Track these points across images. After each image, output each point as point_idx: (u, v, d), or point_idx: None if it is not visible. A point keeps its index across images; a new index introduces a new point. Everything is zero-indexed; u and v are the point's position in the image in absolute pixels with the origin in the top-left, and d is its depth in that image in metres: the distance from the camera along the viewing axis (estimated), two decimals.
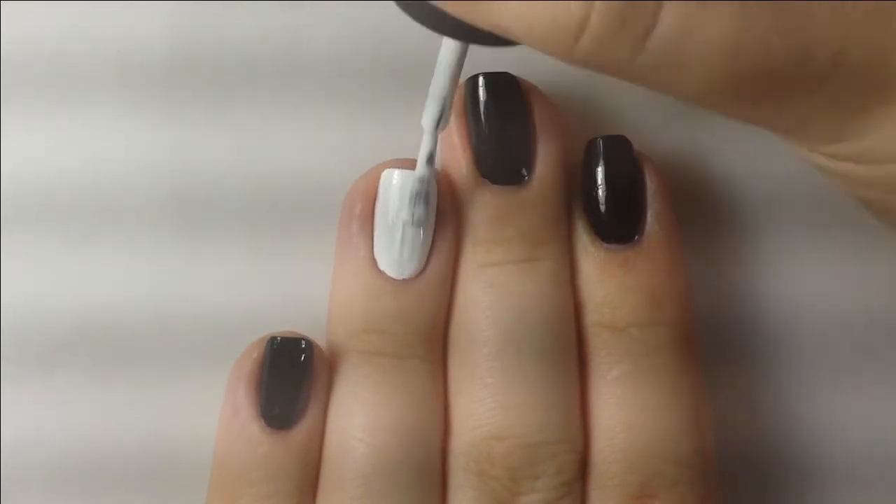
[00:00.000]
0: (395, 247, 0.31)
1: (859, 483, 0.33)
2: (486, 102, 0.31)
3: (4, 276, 0.32)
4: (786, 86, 0.25)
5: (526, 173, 0.31)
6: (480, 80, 0.31)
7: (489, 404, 0.30)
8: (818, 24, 0.24)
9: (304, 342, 0.31)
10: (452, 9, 0.26)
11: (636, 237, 0.31)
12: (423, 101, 0.30)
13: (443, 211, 0.31)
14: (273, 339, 0.31)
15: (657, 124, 0.33)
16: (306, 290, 0.33)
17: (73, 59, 0.33)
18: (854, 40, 0.25)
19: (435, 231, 0.31)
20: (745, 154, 0.33)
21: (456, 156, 0.31)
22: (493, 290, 0.31)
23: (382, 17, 0.33)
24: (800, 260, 0.34)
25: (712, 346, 0.33)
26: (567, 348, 0.31)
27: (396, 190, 0.31)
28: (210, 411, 0.31)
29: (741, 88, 0.25)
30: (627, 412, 0.30)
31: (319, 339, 0.31)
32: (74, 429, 0.32)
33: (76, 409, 0.32)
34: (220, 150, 0.33)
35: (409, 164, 0.31)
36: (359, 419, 0.30)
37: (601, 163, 0.32)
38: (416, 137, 0.31)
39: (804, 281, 0.34)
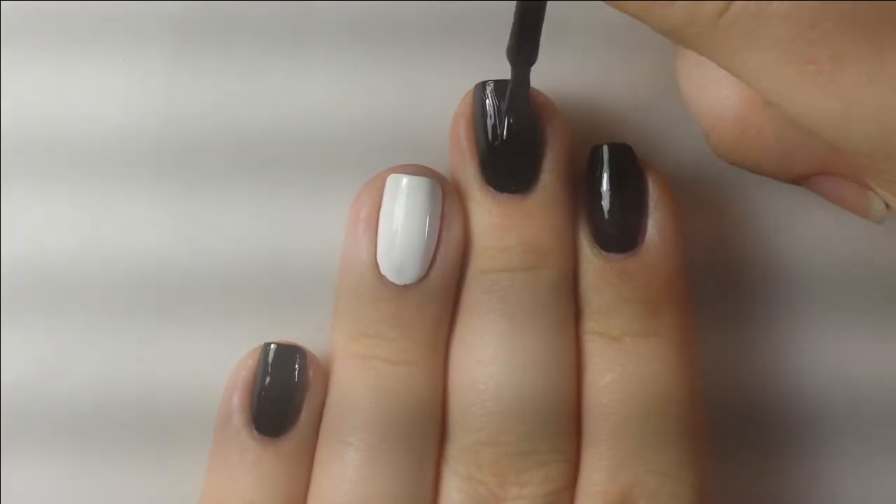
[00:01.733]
0: (397, 252, 0.31)
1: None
2: (494, 108, 0.31)
3: (5, 227, 0.33)
4: (856, 79, 0.24)
5: (532, 181, 0.31)
6: (489, 86, 0.31)
7: (480, 410, 0.30)
8: None
9: (297, 351, 0.31)
10: None
11: (636, 246, 0.31)
12: (430, 65, 0.31)
13: (448, 217, 0.31)
14: (267, 346, 0.31)
15: (663, 132, 0.33)
16: (317, 239, 0.33)
17: (78, 22, 0.33)
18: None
19: (439, 237, 0.31)
20: None
21: (463, 162, 0.32)
22: (491, 296, 0.31)
23: (376, 74, 0.33)
24: (802, 262, 0.34)
25: (713, 359, 0.33)
26: (564, 357, 0.31)
27: (402, 195, 0.31)
28: (212, 362, 0.32)
29: (807, 71, 0.24)
30: (613, 420, 0.31)
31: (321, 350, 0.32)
32: (76, 378, 0.33)
33: (78, 358, 0.33)
34: (229, 113, 0.33)
35: (415, 170, 0.31)
36: (351, 423, 0.31)
37: (603, 170, 0.31)
38: (430, 92, 0.32)
39: (808, 284, 0.34)
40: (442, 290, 0.31)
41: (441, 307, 0.31)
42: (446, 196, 0.31)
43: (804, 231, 0.33)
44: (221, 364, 0.32)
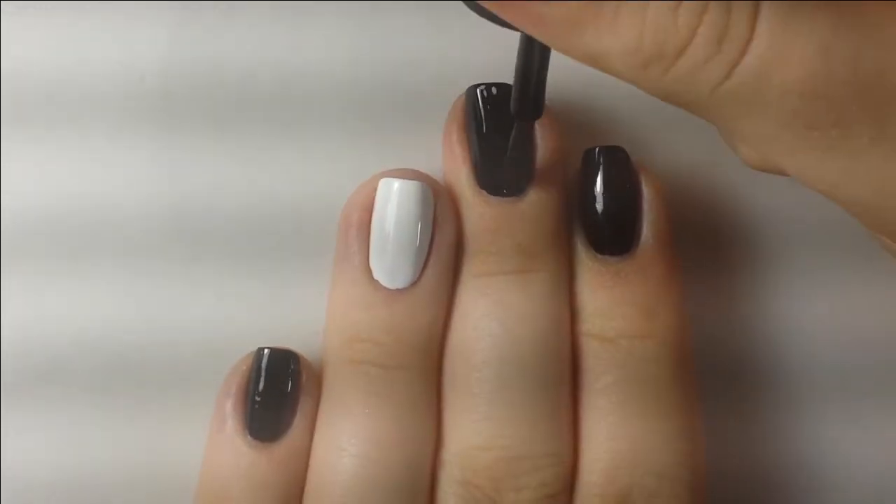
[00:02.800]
0: (388, 256, 0.31)
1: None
2: (486, 113, 0.31)
3: (4, 297, 0.33)
4: (858, 145, 0.25)
5: (524, 185, 0.31)
6: (480, 90, 0.31)
7: (475, 416, 0.30)
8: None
9: (291, 356, 0.31)
10: (543, 37, 0.25)
11: (631, 248, 0.31)
12: (425, 121, 0.31)
13: (440, 221, 0.31)
14: (260, 351, 0.31)
15: (657, 134, 0.33)
16: (304, 313, 0.33)
17: (72, 83, 0.33)
18: None
19: (431, 241, 0.31)
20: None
21: (455, 166, 0.31)
22: (485, 300, 0.31)
23: (381, 36, 0.33)
24: (800, 269, 0.34)
25: (709, 359, 0.33)
26: (558, 360, 0.31)
27: (394, 199, 0.31)
28: (205, 432, 0.32)
29: (811, 137, 0.25)
30: (610, 423, 0.31)
31: (317, 356, 0.32)
32: (70, 449, 0.33)
33: (72, 430, 0.33)
34: (217, 174, 0.33)
35: (408, 174, 0.31)
36: (344, 429, 0.30)
37: (597, 173, 0.31)
38: (417, 158, 0.31)
39: (804, 292, 0.34)
40: (435, 293, 0.31)
41: (434, 311, 0.31)
42: (438, 199, 0.31)
43: (800, 229, 0.34)
44: (219, 367, 0.32)
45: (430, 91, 0.33)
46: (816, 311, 0.34)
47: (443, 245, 0.31)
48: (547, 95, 0.32)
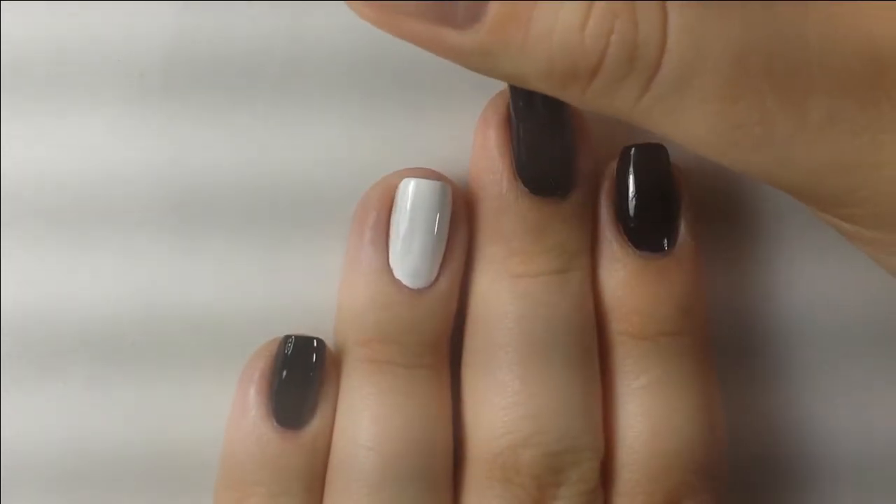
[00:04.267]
0: (412, 256, 0.31)
1: (868, 486, 0.34)
2: (529, 113, 0.31)
3: (3, 279, 0.32)
4: (785, 141, 0.25)
5: (570, 185, 0.31)
6: (525, 92, 0.30)
7: (516, 412, 0.30)
8: (811, 81, 0.25)
9: (316, 342, 0.31)
10: (465, 65, 0.26)
11: (669, 245, 0.31)
12: (425, 102, 0.31)
13: (456, 220, 0.31)
14: (287, 338, 0.31)
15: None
16: (308, 291, 0.33)
17: (73, 60, 0.32)
18: (849, 106, 0.25)
19: (448, 240, 0.31)
20: None
21: (493, 164, 0.31)
22: (525, 300, 0.31)
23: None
24: (811, 265, 0.34)
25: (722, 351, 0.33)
26: (592, 357, 0.31)
27: (416, 199, 0.31)
28: (211, 413, 0.32)
29: (737, 139, 0.25)
30: (654, 421, 0.31)
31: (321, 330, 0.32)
32: (75, 431, 0.32)
33: (76, 412, 0.32)
34: (221, 152, 0.33)
35: (424, 173, 0.31)
36: (368, 428, 0.31)
37: (639, 170, 0.31)
38: (418, 138, 0.31)
39: (816, 285, 0.34)
40: (451, 292, 0.31)
41: (449, 310, 0.32)
42: (453, 199, 0.31)
43: (805, 230, 0.34)
44: (212, 394, 0.32)
45: (436, 70, 0.32)
46: (827, 290, 0.34)
47: (458, 244, 0.31)
48: None
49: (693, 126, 0.25)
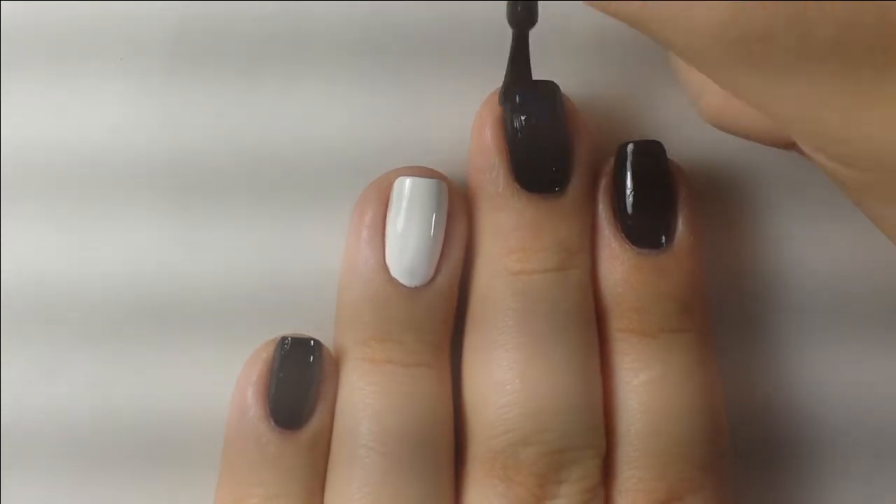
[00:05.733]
0: (407, 254, 0.31)
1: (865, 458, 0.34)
2: (524, 111, 0.31)
3: (5, 251, 0.33)
4: (786, 55, 0.24)
5: (565, 182, 0.31)
6: (519, 89, 0.31)
7: (517, 410, 0.30)
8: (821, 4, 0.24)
9: (312, 342, 0.31)
10: None
11: (667, 242, 0.31)
12: (427, 74, 0.32)
13: (452, 218, 0.31)
14: (283, 339, 0.31)
15: (662, 131, 0.33)
16: (312, 260, 0.33)
17: (76, 32, 0.33)
18: (856, 24, 0.24)
19: (445, 238, 0.31)
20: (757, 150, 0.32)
21: (489, 162, 0.31)
22: (524, 297, 0.31)
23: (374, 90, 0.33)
24: (812, 252, 0.34)
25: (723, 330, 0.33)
26: (592, 355, 0.31)
27: (411, 197, 0.31)
28: (209, 385, 0.32)
29: (740, 47, 0.24)
30: (654, 417, 0.31)
31: (326, 334, 0.32)
32: (77, 403, 0.33)
33: (77, 385, 0.33)
34: (226, 124, 0.33)
35: (420, 171, 0.31)
36: (367, 427, 0.31)
37: (636, 167, 0.31)
38: (421, 108, 0.32)
39: (816, 266, 0.34)
40: (448, 290, 0.31)
41: (448, 307, 0.32)
42: (450, 195, 0.31)
43: (805, 224, 0.33)
44: (217, 371, 0.32)
45: (438, 101, 0.33)
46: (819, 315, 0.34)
47: (455, 242, 0.31)
48: (568, 89, 0.32)
49: (696, 36, 0.25)
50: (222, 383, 0.32)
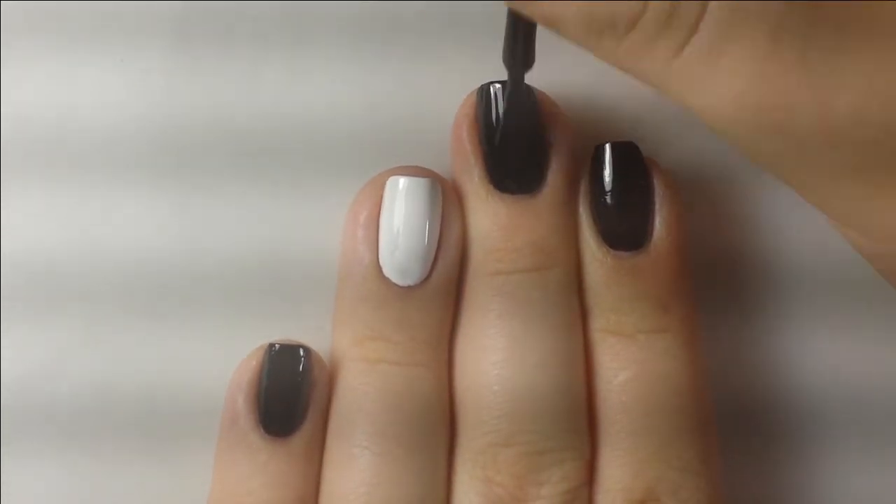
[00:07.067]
0: (400, 254, 0.31)
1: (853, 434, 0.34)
2: (499, 109, 0.31)
3: (5, 224, 0.33)
4: (806, 132, 0.25)
5: (538, 182, 0.31)
6: (493, 87, 0.31)
7: (496, 412, 0.31)
8: (842, 78, 0.25)
9: (301, 349, 0.31)
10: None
11: (644, 243, 0.31)
12: (437, 59, 0.32)
13: (447, 217, 0.31)
14: (271, 346, 0.31)
15: (662, 131, 0.33)
16: (315, 238, 0.33)
17: (78, 9, 0.33)
18: (874, 106, 0.25)
19: (439, 237, 0.31)
20: None
21: (467, 163, 0.32)
22: (502, 298, 0.31)
23: (373, 76, 0.33)
24: (807, 250, 0.34)
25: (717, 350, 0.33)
26: (575, 355, 0.31)
27: (404, 196, 0.31)
28: (211, 359, 0.32)
29: (760, 119, 0.25)
30: (632, 417, 0.31)
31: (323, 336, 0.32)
32: (76, 377, 0.33)
33: (77, 357, 0.33)
34: (228, 101, 0.33)
35: (415, 171, 0.31)
36: (361, 427, 0.31)
37: (610, 169, 0.31)
38: (426, 94, 0.32)
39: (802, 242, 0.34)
40: (444, 290, 0.31)
41: (444, 307, 0.32)
42: (445, 196, 0.31)
43: (804, 227, 0.34)
44: (219, 362, 0.32)
45: (438, 88, 0.33)
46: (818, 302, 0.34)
47: (450, 242, 0.31)
48: (554, 94, 0.32)
49: (718, 98, 0.25)
50: (222, 359, 0.32)
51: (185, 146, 0.33)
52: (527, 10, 0.26)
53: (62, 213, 0.33)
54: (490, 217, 0.31)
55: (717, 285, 0.34)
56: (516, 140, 0.31)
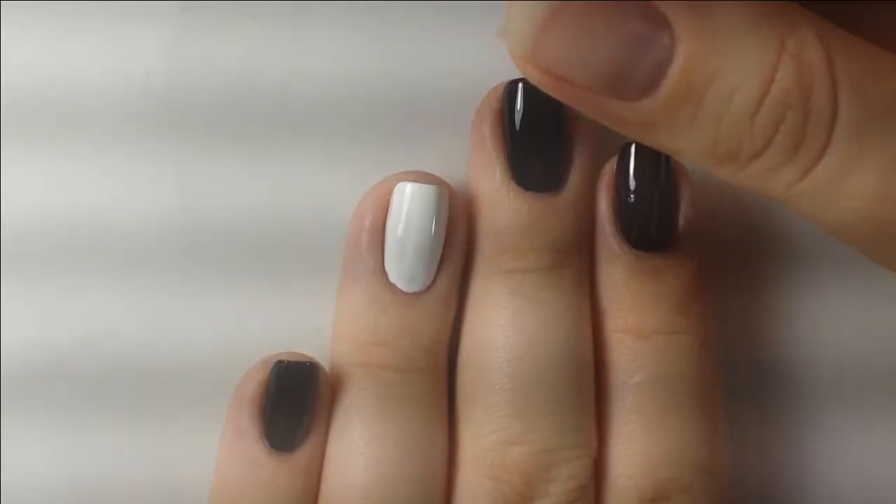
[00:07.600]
0: (407, 260, 0.31)
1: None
2: (523, 109, 0.31)
3: (5, 189, 0.33)
4: None
5: (562, 180, 0.31)
6: (519, 87, 0.31)
7: (505, 410, 0.31)
8: None
9: (309, 364, 0.31)
10: (618, 130, 0.26)
11: (669, 244, 0.31)
12: (435, 140, 0.32)
13: (453, 223, 0.31)
14: (279, 362, 0.31)
15: None
16: (309, 329, 0.33)
17: (74, 94, 0.33)
18: None
19: (445, 243, 0.31)
20: None
21: (487, 160, 0.31)
22: (518, 297, 0.31)
23: (386, 47, 0.33)
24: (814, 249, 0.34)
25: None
26: (586, 355, 0.31)
27: (411, 203, 0.31)
28: (209, 446, 0.32)
29: (881, 230, 0.25)
30: (647, 417, 0.31)
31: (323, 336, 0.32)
32: (72, 457, 0.33)
33: (74, 436, 0.33)
34: (234, 68, 0.33)
35: (421, 177, 0.31)
36: (360, 432, 0.31)
37: (637, 168, 0.31)
38: (432, 64, 0.32)
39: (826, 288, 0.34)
40: (447, 296, 0.31)
41: (446, 313, 0.32)
42: (451, 202, 0.31)
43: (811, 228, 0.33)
44: (218, 331, 0.32)
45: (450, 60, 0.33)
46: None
47: (455, 248, 0.31)
48: None
49: (840, 219, 0.25)
50: (222, 328, 0.32)
51: (189, 112, 0.33)
52: (646, 141, 0.26)
53: (60, 178, 0.33)
54: (511, 215, 0.31)
55: (722, 283, 0.33)
56: (541, 137, 0.31)
